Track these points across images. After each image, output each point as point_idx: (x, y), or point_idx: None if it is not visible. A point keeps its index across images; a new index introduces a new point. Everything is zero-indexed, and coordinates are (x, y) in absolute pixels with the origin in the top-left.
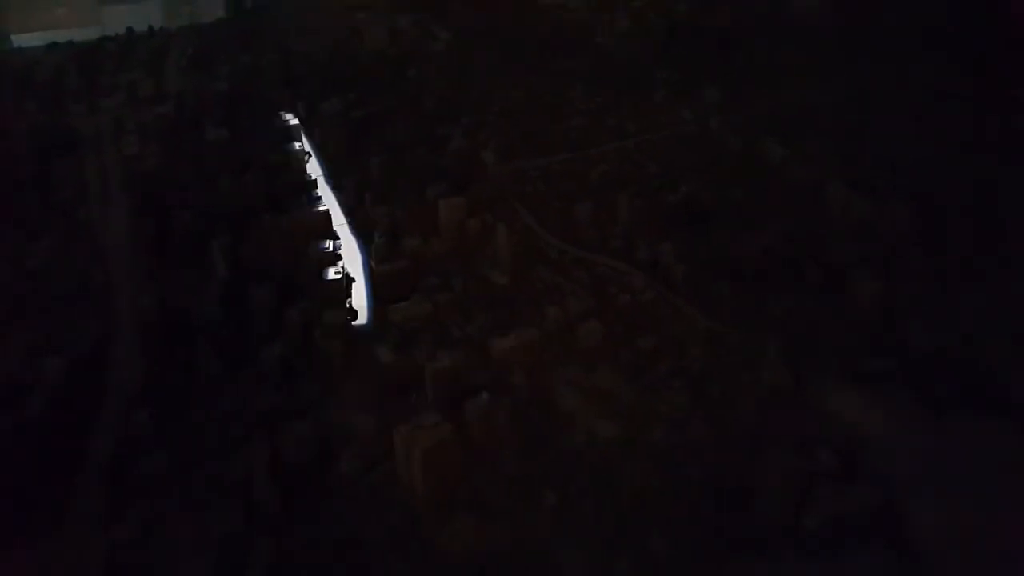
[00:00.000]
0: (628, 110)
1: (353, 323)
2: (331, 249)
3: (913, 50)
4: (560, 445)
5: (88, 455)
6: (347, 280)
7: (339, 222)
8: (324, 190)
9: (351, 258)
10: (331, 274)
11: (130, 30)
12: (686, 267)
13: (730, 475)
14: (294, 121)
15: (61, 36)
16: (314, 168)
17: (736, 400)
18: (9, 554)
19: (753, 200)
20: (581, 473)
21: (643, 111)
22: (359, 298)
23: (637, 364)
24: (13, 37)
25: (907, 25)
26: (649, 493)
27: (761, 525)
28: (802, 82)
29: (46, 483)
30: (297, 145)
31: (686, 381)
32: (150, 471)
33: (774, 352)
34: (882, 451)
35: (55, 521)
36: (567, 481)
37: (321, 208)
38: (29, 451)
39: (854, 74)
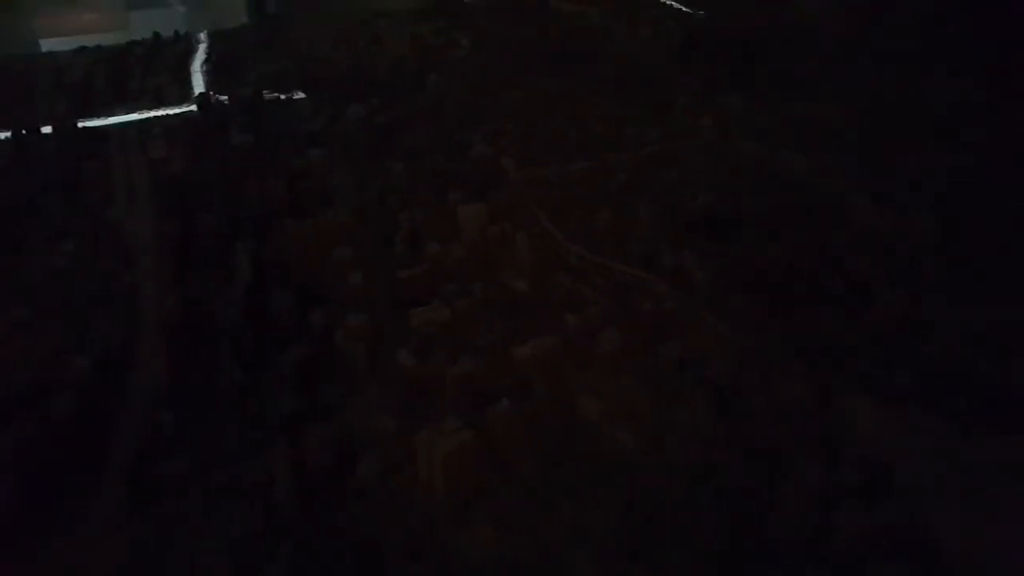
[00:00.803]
0: (648, 118)
1: (374, 327)
2: (352, 253)
3: (935, 61)
4: (580, 453)
5: (112, 454)
6: (368, 284)
7: (360, 227)
8: (346, 195)
9: (372, 262)
10: (352, 278)
11: (157, 35)
12: (707, 276)
13: (752, 488)
14: (316, 126)
15: (89, 40)
16: (336, 173)
17: (759, 413)
18: (34, 549)
19: (774, 210)
20: (600, 482)
21: (663, 119)
22: (380, 302)
23: (658, 373)
24: (41, 41)
25: (929, 36)
26: (669, 504)
27: (783, 540)
28: (824, 92)
29: (71, 481)
30: (320, 150)
31: (708, 392)
32: (172, 471)
33: (797, 365)
34: (907, 467)
35: (79, 518)
36: (586, 490)
37: (343, 213)
38: (55, 449)
39: (876, 85)
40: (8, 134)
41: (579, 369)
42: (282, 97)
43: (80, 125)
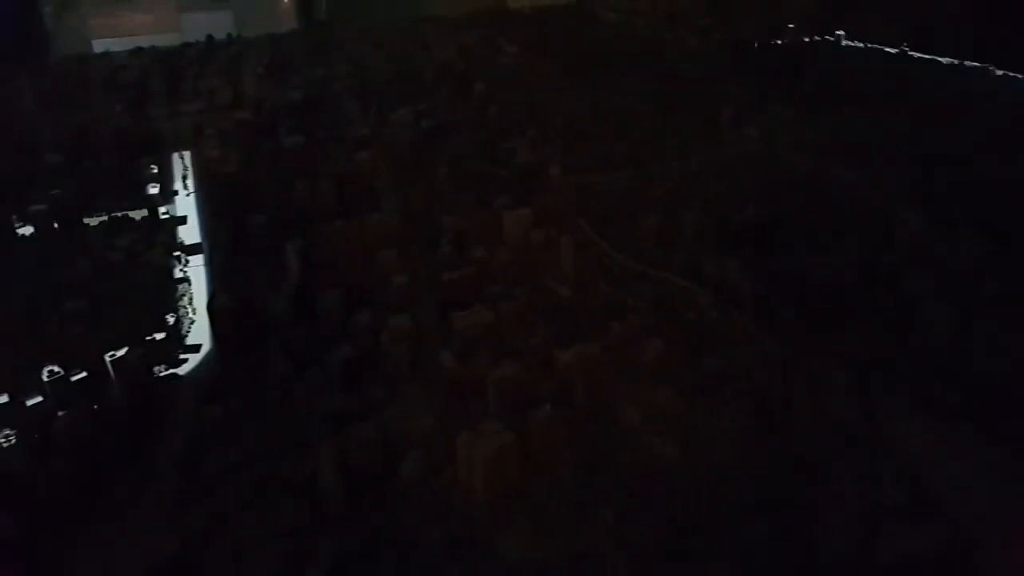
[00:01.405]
0: (694, 128)
1: (418, 329)
2: (398, 256)
3: (988, 73)
4: (620, 461)
5: (163, 446)
6: (413, 286)
7: (406, 229)
8: (392, 198)
9: (417, 265)
10: (398, 280)
11: (210, 38)
12: (752, 288)
13: (794, 503)
14: (365, 130)
15: (141, 41)
16: (383, 176)
17: (803, 426)
18: (86, 537)
19: (822, 223)
20: (640, 491)
21: (709, 129)
22: (424, 304)
23: (701, 384)
24: (94, 42)
25: (980, 46)
26: (710, 515)
27: (824, 555)
28: (874, 105)
29: (123, 470)
30: (368, 153)
31: (751, 404)
32: (221, 464)
33: (843, 380)
34: (952, 487)
35: (130, 506)
36: (626, 498)
37: (389, 215)
38: (108, 439)
39: (927, 97)
40: (67, 130)
41: (621, 376)
42: (331, 101)
43: (136, 124)
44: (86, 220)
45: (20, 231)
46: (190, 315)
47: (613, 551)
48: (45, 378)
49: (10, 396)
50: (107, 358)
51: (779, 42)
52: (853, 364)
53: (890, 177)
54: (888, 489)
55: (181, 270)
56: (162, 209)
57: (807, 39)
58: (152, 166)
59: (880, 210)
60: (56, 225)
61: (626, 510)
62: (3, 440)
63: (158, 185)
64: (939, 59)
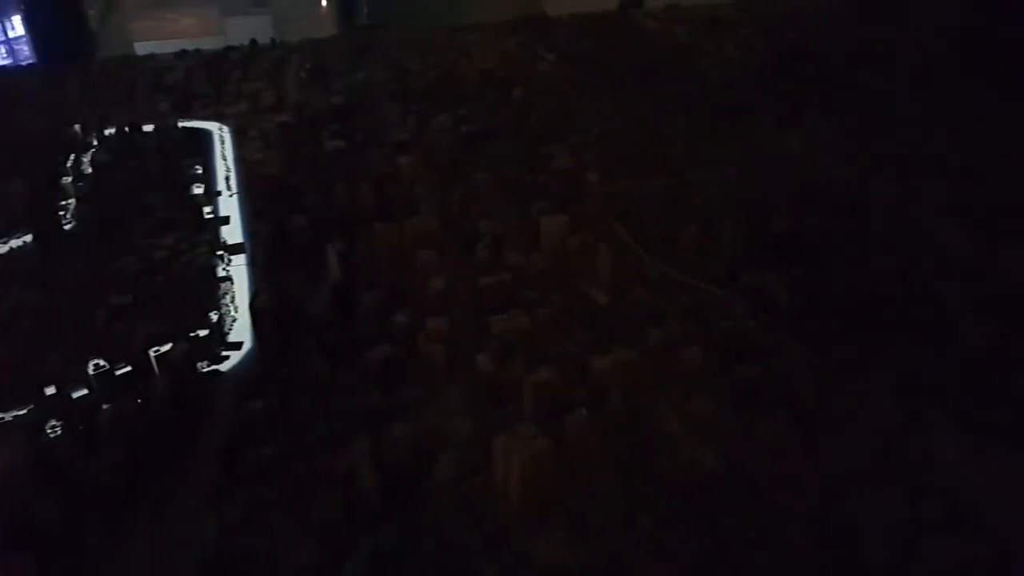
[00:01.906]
0: (733, 137)
1: (454, 331)
2: (436, 259)
3: None
4: (656, 468)
5: (203, 439)
6: (450, 289)
7: (444, 233)
8: (431, 202)
9: (455, 269)
10: (435, 283)
11: (253, 42)
12: (790, 298)
13: (831, 516)
14: (405, 135)
15: (184, 45)
16: (422, 181)
17: (841, 439)
18: (128, 526)
19: (862, 235)
20: (677, 499)
21: (748, 139)
22: (461, 308)
23: (739, 393)
24: (138, 44)
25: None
26: (748, 524)
27: (862, 570)
28: (916, 118)
29: (165, 462)
30: (408, 158)
31: (790, 415)
32: (259, 459)
33: (883, 393)
34: (992, 504)
35: (171, 499)
36: (662, 505)
37: (428, 219)
38: (150, 432)
39: (970, 110)
40: (113, 130)
41: (658, 384)
42: (372, 106)
43: (180, 125)
44: (132, 218)
45: (67, 227)
46: (232, 313)
47: (649, 558)
48: (91, 371)
49: (57, 388)
50: (151, 353)
51: (821, 52)
52: (892, 377)
53: (932, 189)
54: (927, 503)
55: (224, 269)
56: (206, 209)
57: (849, 50)
58: (196, 167)
59: (921, 222)
60: (103, 222)
61: (663, 517)
62: (50, 431)
63: (202, 185)
64: (984, 70)
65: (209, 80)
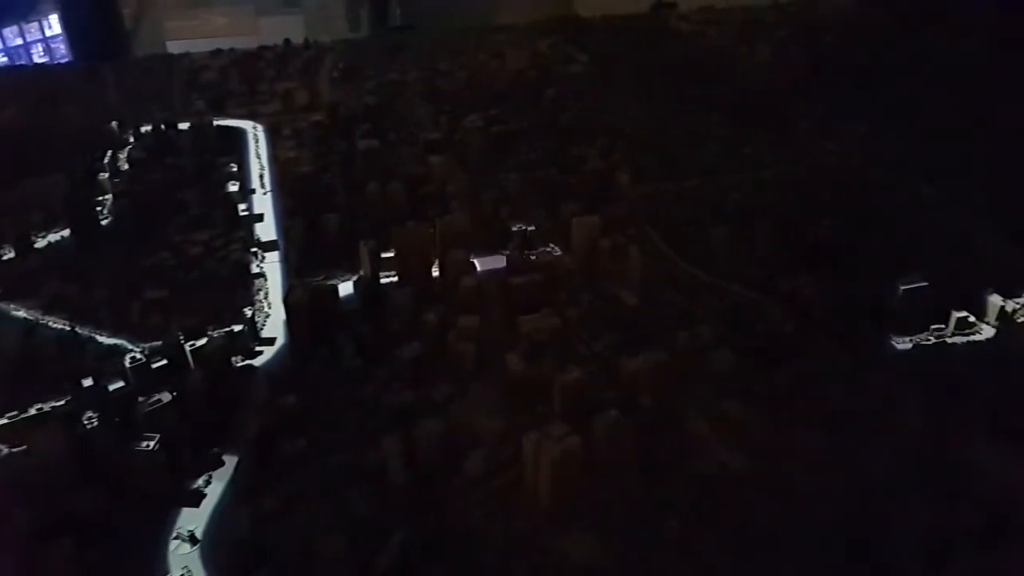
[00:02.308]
0: (766, 140)
1: (485, 330)
2: (467, 257)
3: None
4: (686, 471)
5: (237, 431)
6: (481, 289)
7: (475, 233)
8: (462, 202)
9: (484, 268)
10: (466, 282)
11: (287, 41)
12: (825, 303)
13: (863, 523)
14: (437, 135)
15: (220, 44)
16: (454, 180)
17: (874, 445)
18: (164, 514)
19: (898, 240)
20: (707, 502)
21: (782, 142)
22: (491, 307)
23: (771, 398)
24: (170, 43)
25: None
26: (778, 529)
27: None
28: (955, 122)
29: (199, 454)
30: (439, 157)
31: (823, 420)
32: (292, 452)
33: (918, 399)
34: None
35: (205, 490)
36: (692, 508)
37: (459, 218)
38: (185, 424)
39: (1009, 114)
40: (149, 128)
41: (688, 386)
42: (404, 106)
43: (215, 123)
44: (167, 214)
45: (104, 222)
46: (266, 309)
47: (677, 561)
48: (127, 364)
49: (94, 379)
50: (186, 346)
51: (857, 55)
52: (927, 381)
53: (969, 194)
54: (962, 511)
55: (257, 265)
56: (240, 206)
57: (886, 53)
58: (231, 164)
59: (958, 227)
60: (139, 218)
61: (692, 520)
62: (88, 422)
63: (237, 183)
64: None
65: (243, 79)
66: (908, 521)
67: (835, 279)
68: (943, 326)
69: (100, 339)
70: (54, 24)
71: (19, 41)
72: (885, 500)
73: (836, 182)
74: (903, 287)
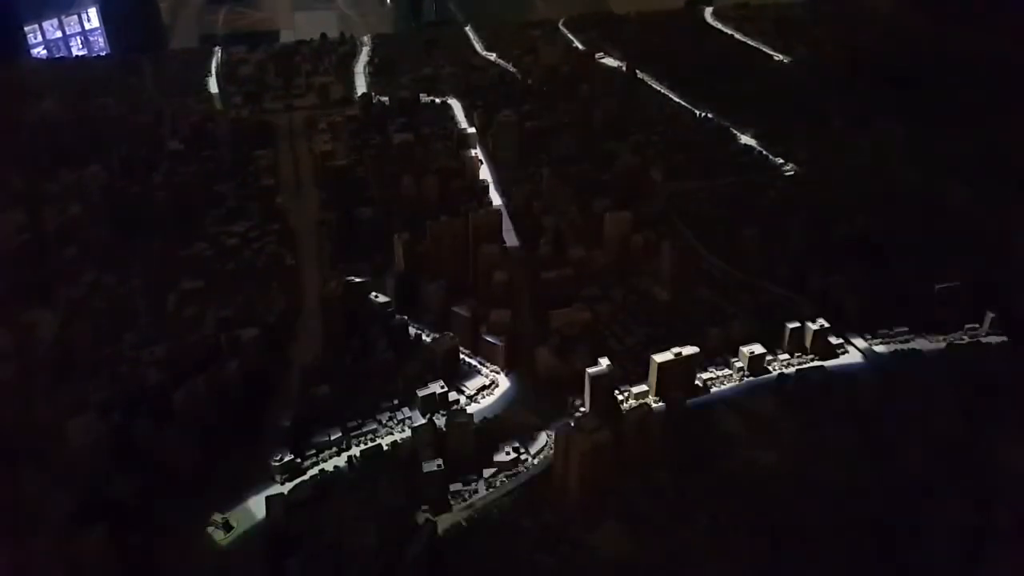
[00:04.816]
0: (801, 139)
1: (516, 324)
2: (499, 252)
3: None
4: (717, 467)
5: (272, 420)
6: (512, 282)
7: (507, 227)
8: (495, 196)
9: (518, 262)
10: (498, 276)
11: (323, 36)
12: (858, 301)
13: (896, 521)
14: (471, 129)
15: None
16: (487, 174)
17: (907, 442)
18: (200, 500)
19: (932, 240)
20: (737, 497)
21: (817, 141)
22: (523, 301)
23: (804, 395)
24: (205, 36)
25: None
26: (808, 527)
27: (925, 573)
28: (987, 119)
29: (235, 442)
30: (473, 152)
31: (856, 418)
32: (325, 441)
33: (951, 398)
34: None
35: (241, 477)
36: (722, 503)
37: (492, 213)
38: (221, 414)
39: None
40: (186, 120)
41: (719, 382)
42: (438, 100)
43: (252, 116)
44: (204, 206)
45: (142, 213)
46: (300, 298)
47: (706, 555)
48: (164, 353)
49: (131, 368)
50: (222, 337)
51: (891, 54)
52: (961, 382)
53: (1006, 195)
54: (995, 510)
55: (293, 257)
56: (277, 199)
57: (920, 52)
58: (267, 157)
59: (993, 227)
60: (176, 209)
61: (722, 515)
62: (125, 410)
63: (272, 176)
64: None
65: (279, 73)
66: (939, 520)
67: (867, 277)
68: (977, 326)
69: (137, 328)
70: (93, 17)
71: (59, 34)
72: (916, 499)
73: (869, 181)
74: (938, 286)
